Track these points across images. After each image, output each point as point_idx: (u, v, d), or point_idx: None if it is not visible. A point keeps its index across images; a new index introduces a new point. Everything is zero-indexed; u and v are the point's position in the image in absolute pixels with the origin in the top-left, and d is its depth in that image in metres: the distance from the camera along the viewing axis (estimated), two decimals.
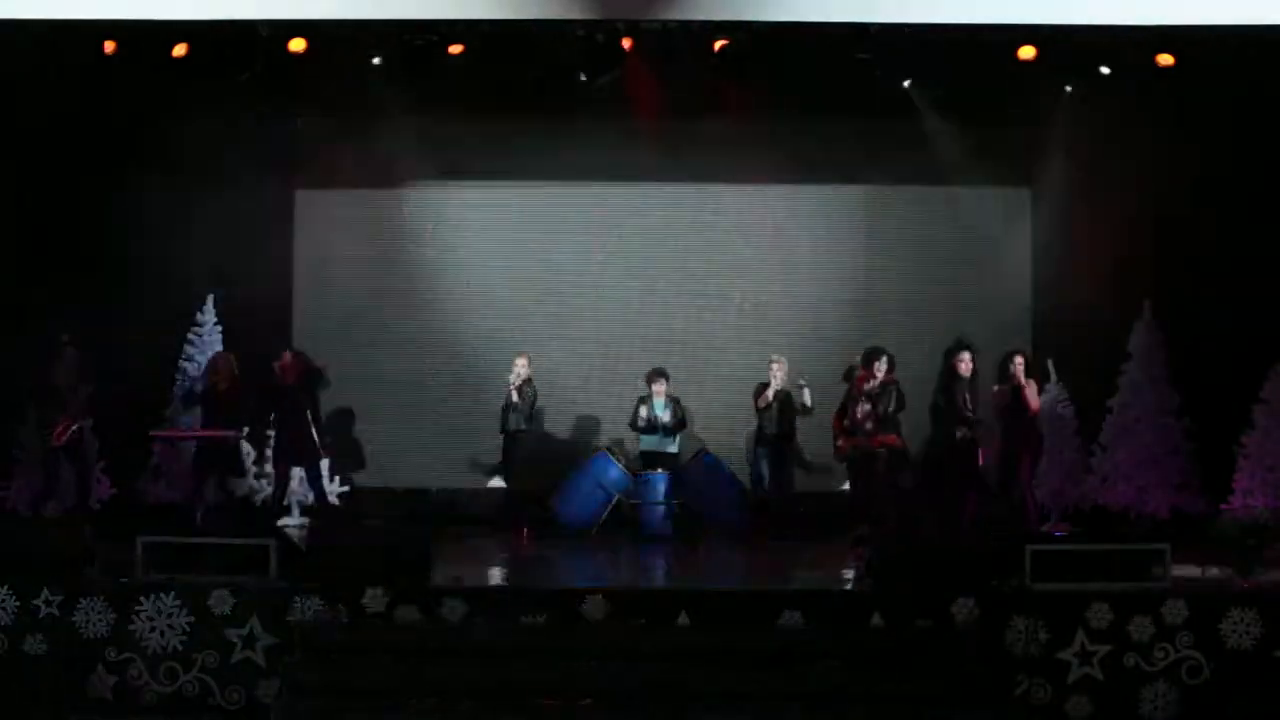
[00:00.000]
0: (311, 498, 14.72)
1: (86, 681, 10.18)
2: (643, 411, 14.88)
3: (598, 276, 16.05)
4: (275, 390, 14.26)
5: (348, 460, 15.63)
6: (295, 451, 14.30)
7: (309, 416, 14.41)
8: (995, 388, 13.84)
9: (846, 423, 14.26)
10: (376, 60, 14.30)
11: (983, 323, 15.28)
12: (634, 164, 15.82)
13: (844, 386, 14.69)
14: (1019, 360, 13.79)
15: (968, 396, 13.86)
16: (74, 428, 13.57)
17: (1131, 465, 15.05)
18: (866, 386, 14.16)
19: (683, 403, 15.07)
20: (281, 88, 14.47)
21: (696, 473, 14.73)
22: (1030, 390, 13.63)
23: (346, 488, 15.49)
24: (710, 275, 15.98)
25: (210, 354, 14.81)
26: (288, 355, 14.49)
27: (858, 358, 14.56)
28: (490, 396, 15.30)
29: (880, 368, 14.22)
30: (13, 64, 13.42)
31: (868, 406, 14.09)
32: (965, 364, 13.90)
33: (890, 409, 14.15)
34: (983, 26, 12.97)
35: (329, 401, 15.40)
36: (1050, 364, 14.78)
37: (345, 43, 13.82)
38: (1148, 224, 14.58)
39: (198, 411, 14.28)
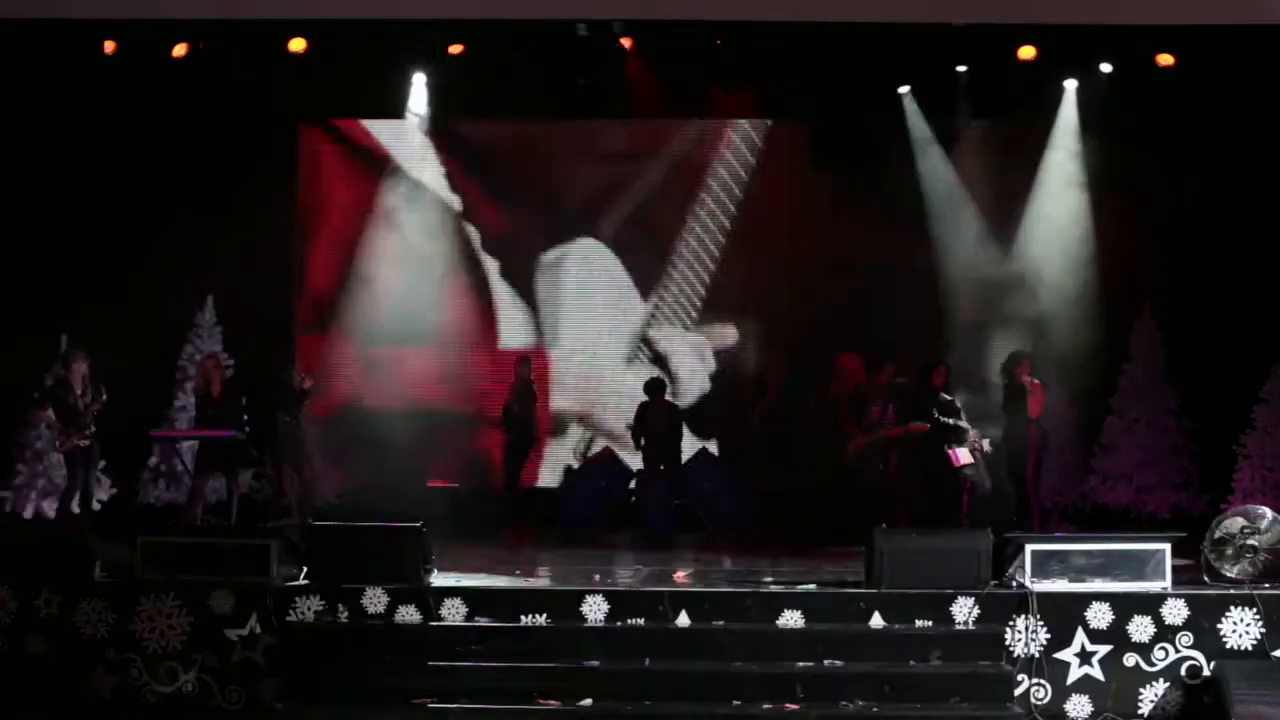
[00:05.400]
0: (311, 498, 14.72)
1: (86, 681, 10.17)
2: (643, 422, 14.93)
3: (601, 277, 16.07)
4: (272, 392, 14.24)
5: (347, 460, 15.64)
6: (293, 452, 14.28)
7: (304, 417, 14.40)
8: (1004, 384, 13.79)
9: (861, 421, 14.14)
10: (379, 60, 14.38)
11: (982, 322, 15.30)
12: (637, 162, 15.87)
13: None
14: (1024, 362, 13.79)
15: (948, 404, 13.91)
16: (84, 436, 13.53)
17: (1131, 465, 15.07)
18: (884, 383, 14.16)
19: (681, 408, 15.14)
20: (281, 88, 14.49)
21: (697, 472, 14.73)
22: (1035, 393, 13.62)
23: (346, 488, 15.48)
24: (711, 276, 16.00)
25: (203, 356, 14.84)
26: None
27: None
28: (491, 397, 15.31)
29: (889, 367, 14.23)
30: (13, 64, 13.43)
31: (880, 404, 14.03)
32: (940, 376, 13.95)
33: (898, 406, 14.12)
34: (984, 25, 12.99)
35: (328, 400, 15.42)
36: (1050, 364, 14.80)
37: (346, 43, 13.86)
38: (1148, 224, 14.58)
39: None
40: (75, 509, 13.45)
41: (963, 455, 13.64)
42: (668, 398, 15.06)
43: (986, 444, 13.64)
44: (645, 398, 14.89)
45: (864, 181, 15.52)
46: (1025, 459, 13.64)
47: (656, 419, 14.84)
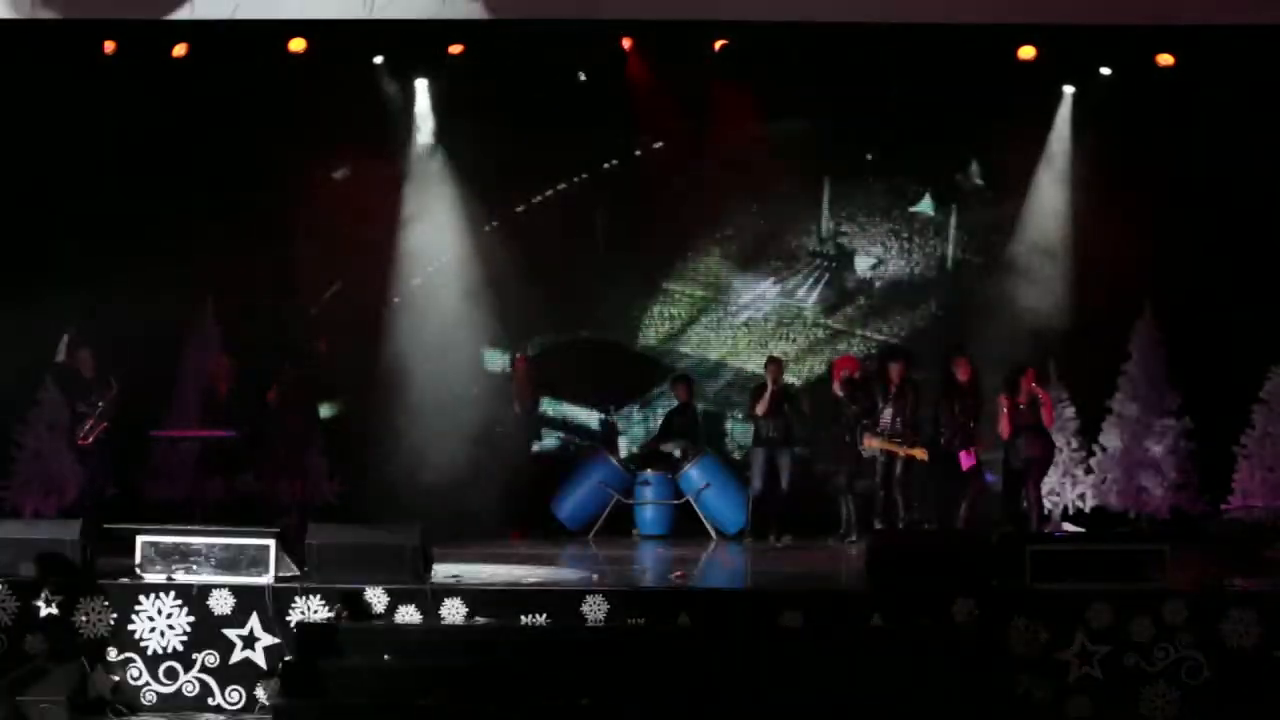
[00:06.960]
0: (311, 498, 14.73)
1: (86, 681, 10.17)
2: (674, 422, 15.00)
3: (603, 276, 16.07)
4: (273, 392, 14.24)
5: (347, 460, 15.63)
6: (294, 452, 14.29)
7: (306, 417, 14.40)
8: (1003, 398, 13.62)
9: (869, 422, 14.05)
10: (377, 60, 14.37)
11: (983, 323, 15.29)
12: (642, 160, 15.89)
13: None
14: (1029, 372, 13.71)
15: (967, 401, 13.83)
16: (102, 427, 13.55)
17: (1132, 465, 15.06)
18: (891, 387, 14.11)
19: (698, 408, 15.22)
20: (281, 88, 14.48)
21: (697, 473, 14.72)
22: (1048, 405, 13.56)
23: (346, 488, 15.48)
24: (712, 278, 16.01)
25: (209, 356, 14.83)
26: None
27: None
28: (491, 396, 15.31)
29: (896, 368, 14.10)
30: (13, 64, 13.43)
31: (890, 409, 13.90)
32: (963, 369, 13.86)
33: (912, 410, 14.00)
34: (984, 26, 12.98)
35: (329, 401, 15.41)
36: (1050, 365, 14.79)
37: (345, 43, 13.85)
38: (1148, 224, 14.58)
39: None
40: (81, 506, 13.48)
41: (972, 458, 13.62)
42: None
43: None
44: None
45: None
46: (1030, 468, 13.55)
47: (674, 418, 14.99)
